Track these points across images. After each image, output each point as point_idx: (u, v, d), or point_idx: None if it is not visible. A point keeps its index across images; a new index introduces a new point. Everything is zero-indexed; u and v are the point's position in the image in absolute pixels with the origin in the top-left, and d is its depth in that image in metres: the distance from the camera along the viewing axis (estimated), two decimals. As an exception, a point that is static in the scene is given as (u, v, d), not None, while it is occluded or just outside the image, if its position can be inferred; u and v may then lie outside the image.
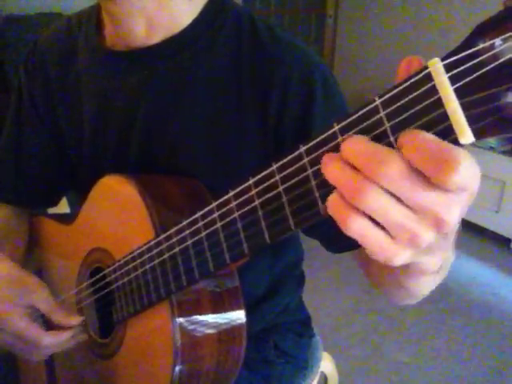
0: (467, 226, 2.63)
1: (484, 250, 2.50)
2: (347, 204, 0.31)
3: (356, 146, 0.30)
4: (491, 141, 0.28)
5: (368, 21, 3.55)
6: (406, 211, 0.30)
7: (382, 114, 0.30)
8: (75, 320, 0.64)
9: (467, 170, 0.27)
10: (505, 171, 2.39)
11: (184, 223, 0.49)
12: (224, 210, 0.43)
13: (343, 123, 0.32)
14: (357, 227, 0.31)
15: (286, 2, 3.79)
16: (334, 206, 0.32)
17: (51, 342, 0.62)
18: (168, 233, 0.51)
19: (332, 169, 0.31)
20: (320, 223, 0.35)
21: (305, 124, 0.61)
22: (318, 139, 0.34)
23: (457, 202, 0.29)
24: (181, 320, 0.55)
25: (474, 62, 0.26)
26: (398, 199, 0.30)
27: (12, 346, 0.62)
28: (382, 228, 0.31)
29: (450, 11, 2.94)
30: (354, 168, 0.31)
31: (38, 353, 0.63)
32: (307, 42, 3.79)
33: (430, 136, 0.28)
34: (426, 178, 0.29)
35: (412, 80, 0.29)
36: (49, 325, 0.64)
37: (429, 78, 0.28)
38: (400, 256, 0.32)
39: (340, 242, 0.63)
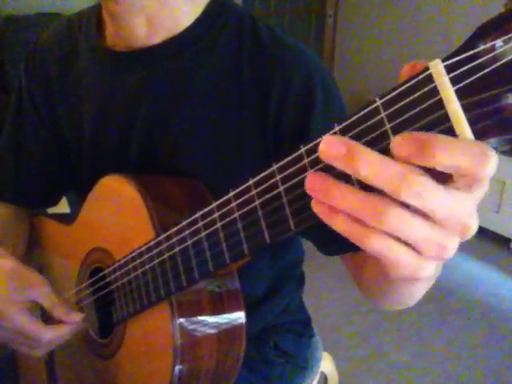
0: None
1: (484, 250, 2.50)
2: (364, 225, 0.29)
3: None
4: (492, 142, 0.28)
5: (368, 21, 3.54)
6: (430, 224, 0.29)
7: (383, 114, 0.30)
8: (76, 316, 0.64)
9: (494, 164, 0.27)
10: (505, 171, 2.39)
11: (184, 223, 0.49)
12: (224, 210, 0.43)
13: (344, 124, 0.32)
14: (380, 247, 0.29)
15: (286, 2, 3.79)
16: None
17: (51, 336, 0.62)
18: (168, 233, 0.51)
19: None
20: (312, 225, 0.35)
21: (303, 125, 0.61)
22: (318, 140, 0.34)
23: (474, 202, 0.29)
24: (181, 320, 0.55)
25: (475, 63, 0.26)
26: (420, 212, 0.29)
27: (13, 341, 0.62)
28: (406, 243, 0.30)
29: (450, 11, 2.95)
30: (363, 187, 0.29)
31: (39, 348, 0.63)
32: (307, 42, 3.79)
33: (455, 138, 0.27)
34: (445, 183, 0.28)
35: (413, 81, 0.29)
36: (49, 320, 0.64)
37: (430, 79, 0.28)
38: (426, 269, 0.30)
39: (332, 245, 0.63)
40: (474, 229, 0.29)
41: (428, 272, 0.31)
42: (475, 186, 0.28)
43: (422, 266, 0.30)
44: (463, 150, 0.27)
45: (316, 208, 0.31)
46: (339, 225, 0.30)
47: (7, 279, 0.62)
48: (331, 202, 0.30)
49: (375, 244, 0.29)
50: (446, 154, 0.27)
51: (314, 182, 0.31)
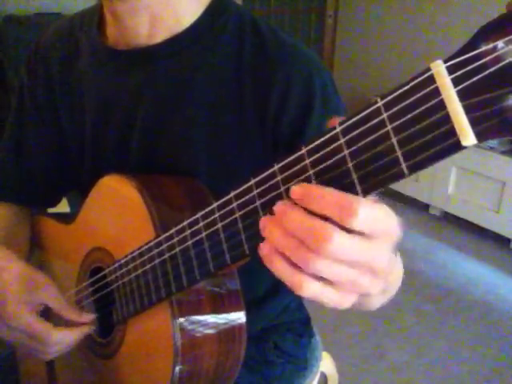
0: (467, 226, 2.63)
1: (484, 250, 2.50)
2: (298, 271, 0.34)
3: (292, 220, 0.34)
4: (492, 142, 0.28)
5: (368, 21, 3.54)
6: (346, 268, 0.34)
7: (385, 115, 0.30)
8: (87, 318, 0.64)
9: (367, 213, 0.31)
10: (505, 171, 2.39)
11: (185, 223, 0.49)
12: (225, 210, 0.43)
13: (345, 124, 0.32)
14: (312, 291, 0.35)
15: (285, 2, 3.79)
16: (283, 273, 0.35)
17: (58, 337, 0.62)
18: (168, 233, 0.51)
19: (274, 236, 0.35)
20: None
21: (302, 125, 0.61)
22: (319, 140, 0.34)
23: (380, 249, 0.34)
24: (181, 320, 0.55)
25: (477, 64, 0.26)
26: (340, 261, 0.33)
27: (22, 344, 0.62)
28: (330, 283, 0.35)
29: (450, 11, 2.94)
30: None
31: (47, 350, 0.63)
32: (307, 42, 3.79)
33: (328, 190, 0.33)
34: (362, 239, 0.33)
35: (415, 81, 0.29)
36: (54, 323, 0.64)
37: (431, 79, 0.28)
38: (347, 302, 0.36)
39: None
40: (381, 268, 0.34)
41: (352, 301, 0.36)
42: (370, 236, 0.33)
43: (343, 298, 0.36)
44: (329, 202, 0.32)
45: (262, 249, 0.37)
46: (277, 266, 0.35)
47: (17, 282, 0.62)
48: (268, 237, 0.36)
49: (308, 290, 0.35)
50: (314, 202, 0.33)
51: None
